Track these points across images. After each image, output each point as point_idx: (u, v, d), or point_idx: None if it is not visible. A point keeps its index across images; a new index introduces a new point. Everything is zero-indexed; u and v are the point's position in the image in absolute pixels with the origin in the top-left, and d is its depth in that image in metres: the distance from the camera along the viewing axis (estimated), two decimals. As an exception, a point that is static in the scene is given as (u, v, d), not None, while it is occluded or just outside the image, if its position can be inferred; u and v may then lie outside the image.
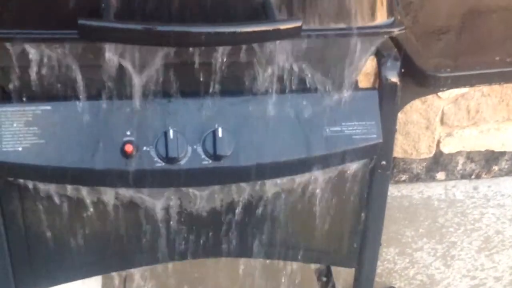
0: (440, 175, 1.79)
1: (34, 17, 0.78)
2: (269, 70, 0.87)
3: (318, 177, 0.99)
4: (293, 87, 0.91)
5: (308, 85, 0.91)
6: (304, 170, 0.94)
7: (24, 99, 0.86)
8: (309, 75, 0.90)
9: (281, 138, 0.91)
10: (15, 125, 0.86)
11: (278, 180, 0.98)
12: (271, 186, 0.99)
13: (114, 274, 1.25)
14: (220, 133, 0.88)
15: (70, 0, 0.77)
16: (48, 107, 0.87)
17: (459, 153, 1.75)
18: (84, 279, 1.08)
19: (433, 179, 1.78)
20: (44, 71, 0.83)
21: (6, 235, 0.96)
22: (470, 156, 1.77)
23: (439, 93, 1.59)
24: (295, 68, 0.88)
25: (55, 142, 0.86)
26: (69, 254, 1.01)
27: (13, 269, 0.99)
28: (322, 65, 0.90)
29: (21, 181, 0.92)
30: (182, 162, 0.89)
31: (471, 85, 1.05)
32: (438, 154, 1.74)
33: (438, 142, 1.72)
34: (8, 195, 0.93)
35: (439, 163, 1.76)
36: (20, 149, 0.86)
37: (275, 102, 0.91)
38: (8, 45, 0.79)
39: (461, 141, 1.73)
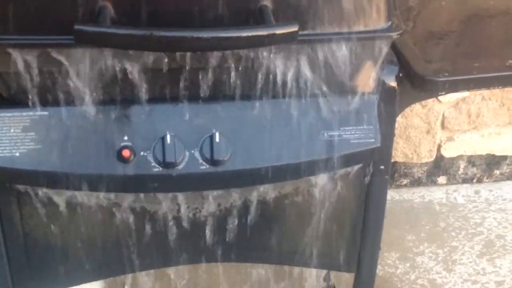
0: (441, 179, 1.78)
1: (31, 23, 0.79)
2: (266, 75, 0.87)
3: (316, 182, 0.99)
4: (290, 92, 0.90)
5: (305, 90, 0.91)
6: (302, 175, 0.94)
7: (21, 104, 0.86)
8: (306, 80, 0.90)
9: (278, 143, 0.91)
10: (12, 130, 0.86)
11: (276, 185, 0.98)
12: (268, 191, 0.99)
13: (114, 278, 1.25)
14: (217, 138, 0.88)
15: (67, 6, 0.77)
16: (46, 113, 0.87)
17: (460, 157, 1.75)
18: (83, 284, 1.08)
19: (434, 183, 1.78)
20: (41, 76, 0.83)
21: (4, 240, 0.96)
22: (471, 160, 1.77)
23: (440, 97, 1.59)
24: (292, 72, 0.88)
25: (52, 148, 0.87)
26: (67, 259, 1.01)
27: (11, 274, 1.00)
28: (319, 70, 0.89)
29: (19, 186, 0.92)
30: (180, 167, 0.89)
31: (470, 89, 1.05)
32: (439, 158, 1.74)
33: (439, 146, 1.71)
34: (6, 201, 0.93)
35: (440, 168, 1.76)
36: (17, 154, 0.86)
37: (272, 107, 0.91)
38: (4, 50, 0.80)
39: (462, 145, 1.73)
